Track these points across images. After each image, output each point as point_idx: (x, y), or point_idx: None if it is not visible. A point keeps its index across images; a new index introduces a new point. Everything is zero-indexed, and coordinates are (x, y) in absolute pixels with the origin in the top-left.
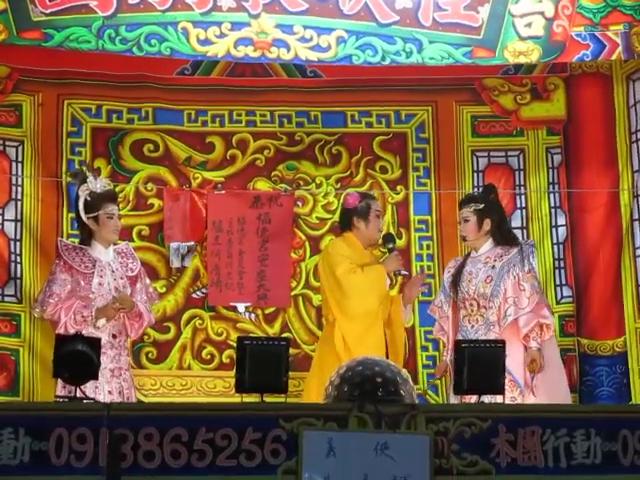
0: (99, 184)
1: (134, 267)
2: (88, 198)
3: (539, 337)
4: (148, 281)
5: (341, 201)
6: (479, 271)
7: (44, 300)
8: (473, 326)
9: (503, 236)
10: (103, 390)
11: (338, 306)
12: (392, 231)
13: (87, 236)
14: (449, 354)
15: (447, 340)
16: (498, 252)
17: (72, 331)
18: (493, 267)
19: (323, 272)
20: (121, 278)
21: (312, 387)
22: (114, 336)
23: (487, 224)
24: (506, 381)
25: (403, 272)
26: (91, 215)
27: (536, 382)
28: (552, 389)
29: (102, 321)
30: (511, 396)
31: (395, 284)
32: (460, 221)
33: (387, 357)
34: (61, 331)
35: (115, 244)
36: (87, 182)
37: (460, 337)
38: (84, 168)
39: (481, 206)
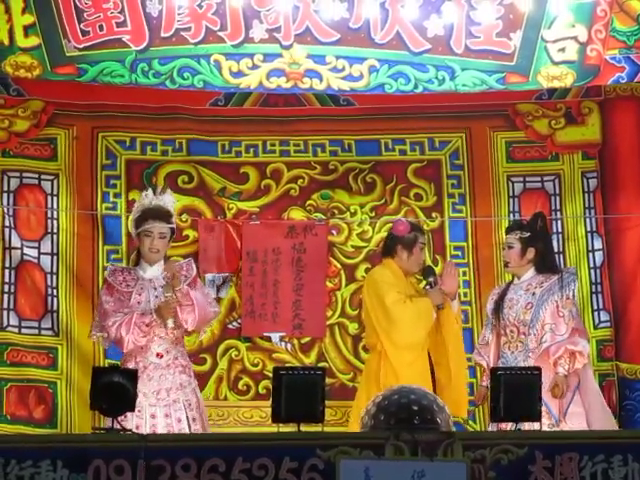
0: (153, 200)
1: (185, 277)
2: (139, 214)
3: (567, 364)
4: (207, 290)
5: (387, 225)
6: (520, 298)
7: (99, 325)
8: (512, 352)
9: (546, 265)
10: (145, 414)
11: (386, 336)
12: (428, 257)
13: (137, 254)
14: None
15: (487, 366)
16: (539, 279)
17: (140, 344)
18: (533, 294)
19: (370, 301)
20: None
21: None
22: (159, 355)
23: (531, 252)
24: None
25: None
26: (135, 232)
27: (574, 409)
28: (594, 419)
29: (170, 320)
30: (549, 423)
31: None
32: (504, 247)
33: (434, 384)
34: (130, 347)
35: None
36: (142, 197)
37: (500, 364)
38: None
39: (527, 234)
